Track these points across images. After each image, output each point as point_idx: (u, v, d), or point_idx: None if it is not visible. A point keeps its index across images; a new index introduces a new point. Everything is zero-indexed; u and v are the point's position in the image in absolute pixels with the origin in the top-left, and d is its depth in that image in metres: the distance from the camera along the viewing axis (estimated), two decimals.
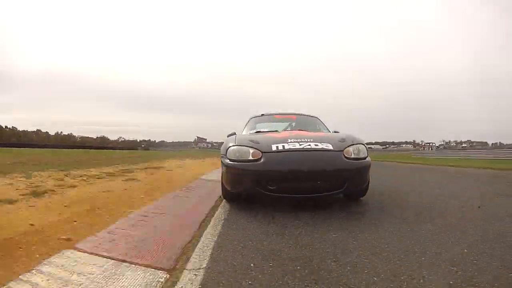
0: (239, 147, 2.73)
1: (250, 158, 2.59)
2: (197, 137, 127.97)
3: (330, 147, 2.65)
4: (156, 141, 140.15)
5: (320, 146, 2.65)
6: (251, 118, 4.34)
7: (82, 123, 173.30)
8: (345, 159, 2.59)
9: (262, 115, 4.43)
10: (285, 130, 3.77)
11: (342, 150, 2.64)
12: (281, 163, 2.54)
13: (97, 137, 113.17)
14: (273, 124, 4.22)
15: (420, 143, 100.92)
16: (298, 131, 3.42)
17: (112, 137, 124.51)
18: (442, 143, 76.64)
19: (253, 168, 2.53)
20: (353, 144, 2.75)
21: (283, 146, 2.66)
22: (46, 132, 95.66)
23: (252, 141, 2.81)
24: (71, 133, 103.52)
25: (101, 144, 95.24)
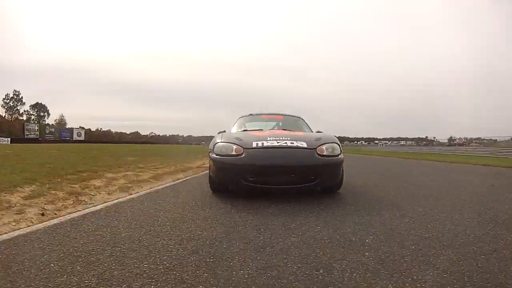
0: (225, 143, 3.11)
1: (233, 153, 2.97)
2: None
3: (304, 145, 3.03)
4: (184, 136, 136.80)
5: (295, 144, 3.04)
6: (239, 118, 4.72)
7: (112, 118, 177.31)
8: (317, 156, 2.97)
9: (250, 114, 4.82)
10: (269, 129, 4.07)
11: (315, 148, 3.02)
12: (260, 158, 2.91)
13: (130, 133, 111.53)
14: (260, 123, 4.55)
15: (433, 138, 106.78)
16: (281, 131, 3.88)
17: (143, 132, 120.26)
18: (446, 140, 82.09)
19: (235, 162, 2.91)
20: (327, 143, 3.12)
21: (263, 143, 3.02)
22: (89, 128, 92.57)
23: (236, 138, 3.18)
24: (109, 130, 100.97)
25: (134, 139, 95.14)
